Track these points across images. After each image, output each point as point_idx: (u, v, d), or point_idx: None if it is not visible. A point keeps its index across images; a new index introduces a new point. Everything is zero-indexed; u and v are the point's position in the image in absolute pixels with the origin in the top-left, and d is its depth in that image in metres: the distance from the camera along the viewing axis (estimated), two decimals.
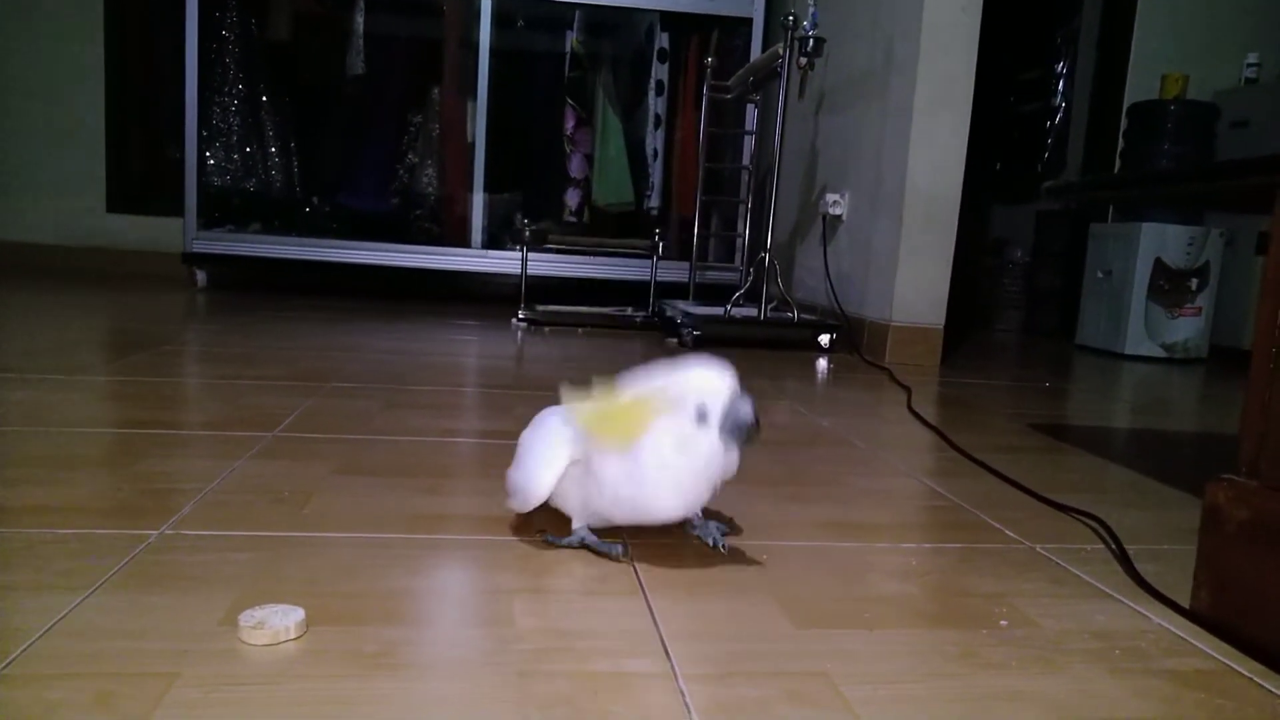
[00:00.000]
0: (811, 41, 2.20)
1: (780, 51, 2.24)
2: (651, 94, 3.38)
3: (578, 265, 3.22)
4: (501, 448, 1.06)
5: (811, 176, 2.89)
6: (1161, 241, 2.75)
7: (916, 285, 2.24)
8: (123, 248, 3.68)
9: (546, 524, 0.79)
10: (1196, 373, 2.58)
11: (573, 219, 3.38)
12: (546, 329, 2.57)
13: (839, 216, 2.59)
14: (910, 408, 1.58)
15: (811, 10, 2.20)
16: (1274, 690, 0.59)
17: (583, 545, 0.75)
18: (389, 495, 0.89)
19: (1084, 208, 3.28)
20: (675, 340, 2.40)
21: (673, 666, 0.56)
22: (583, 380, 0.73)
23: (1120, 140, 3.02)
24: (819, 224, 2.68)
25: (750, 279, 2.61)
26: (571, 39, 3.30)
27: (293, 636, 0.56)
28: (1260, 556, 0.63)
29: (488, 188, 3.28)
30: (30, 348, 1.65)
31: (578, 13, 3.27)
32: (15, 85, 3.56)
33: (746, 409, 0.68)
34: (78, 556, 0.67)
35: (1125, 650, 0.63)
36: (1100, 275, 2.93)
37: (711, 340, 2.32)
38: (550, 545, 0.76)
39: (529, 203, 3.40)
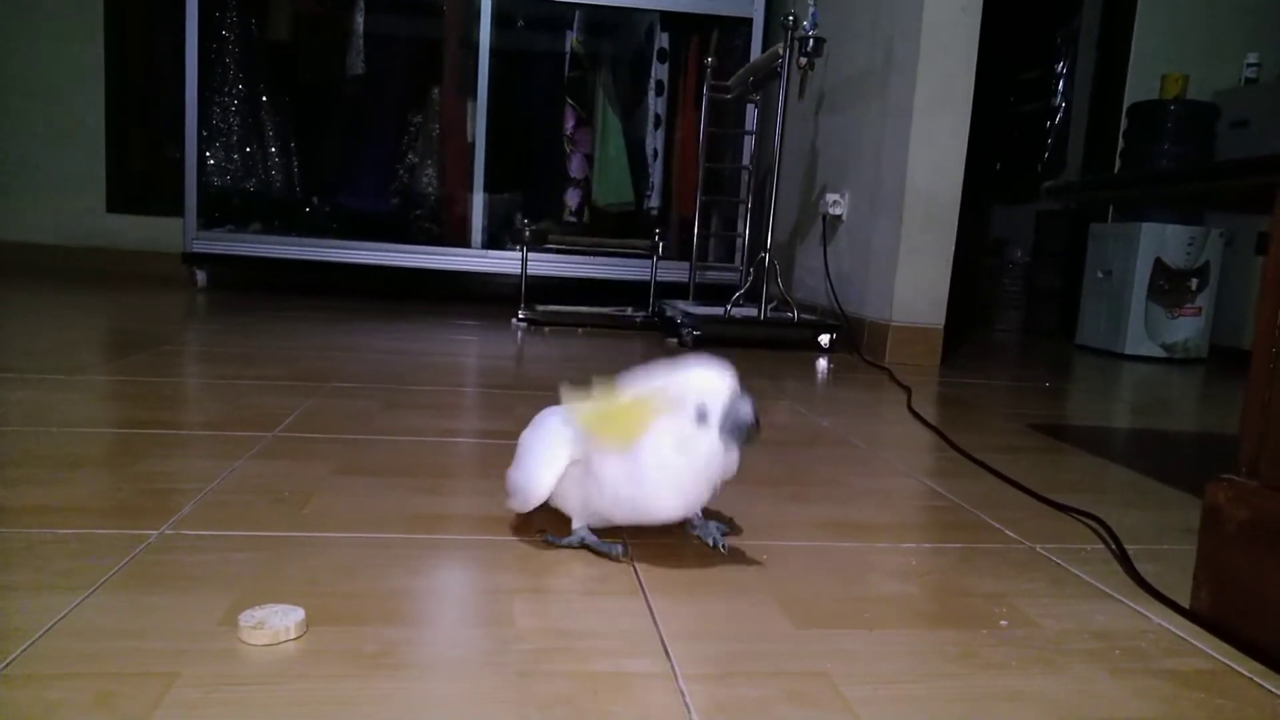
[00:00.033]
0: (811, 41, 2.20)
1: (780, 51, 2.24)
2: (651, 94, 3.38)
3: (578, 265, 3.22)
4: (501, 448, 1.06)
5: (811, 176, 2.89)
6: (1161, 241, 2.75)
7: (916, 285, 2.24)
8: (123, 248, 3.68)
9: (546, 524, 0.79)
10: (1196, 373, 2.58)
11: (573, 219, 3.38)
12: (546, 329, 2.57)
13: (839, 216, 2.59)
14: (910, 408, 1.58)
15: (811, 10, 2.21)
16: (1274, 690, 0.59)
17: (583, 545, 0.75)
18: (389, 495, 0.89)
19: (1084, 208, 3.28)
20: (675, 340, 2.40)
21: (673, 666, 0.56)
22: (583, 380, 0.73)
23: (1120, 140, 3.02)
24: (819, 224, 2.68)
25: (750, 279, 2.61)
26: (571, 39, 3.30)
27: (293, 636, 0.56)
28: (1260, 556, 0.63)
29: (488, 188, 3.28)
30: (30, 348, 1.65)
31: (578, 13, 3.27)
32: (15, 85, 3.56)
33: (746, 409, 0.68)
34: (78, 556, 0.67)
35: (1125, 650, 0.63)
36: (1100, 275, 2.93)
37: (711, 340, 2.32)
38: (550, 545, 0.76)
39: (529, 203, 3.40)
